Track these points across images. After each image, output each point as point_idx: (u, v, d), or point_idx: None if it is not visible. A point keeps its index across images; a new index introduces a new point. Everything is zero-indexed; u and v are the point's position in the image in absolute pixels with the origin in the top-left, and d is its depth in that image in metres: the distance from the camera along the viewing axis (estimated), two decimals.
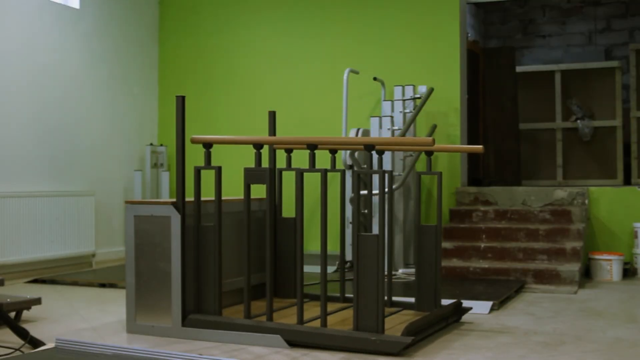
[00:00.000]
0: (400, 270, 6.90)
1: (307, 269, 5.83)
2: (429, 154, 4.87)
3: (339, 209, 4.98)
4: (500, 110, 9.33)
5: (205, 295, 4.40)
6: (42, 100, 7.34)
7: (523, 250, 6.59)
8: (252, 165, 4.55)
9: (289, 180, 5.44)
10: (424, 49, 7.82)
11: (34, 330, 4.36)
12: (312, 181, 5.79)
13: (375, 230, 6.41)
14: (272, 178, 4.60)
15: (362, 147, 4.28)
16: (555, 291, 6.09)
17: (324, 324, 4.14)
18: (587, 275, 6.93)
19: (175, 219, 4.37)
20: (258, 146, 4.37)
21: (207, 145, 4.41)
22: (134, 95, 8.61)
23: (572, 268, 6.23)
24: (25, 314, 5.01)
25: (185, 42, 8.90)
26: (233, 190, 6.53)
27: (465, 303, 4.98)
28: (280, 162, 5.39)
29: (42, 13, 7.40)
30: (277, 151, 5.23)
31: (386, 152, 6.56)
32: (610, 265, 6.76)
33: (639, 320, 4.93)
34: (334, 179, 7.30)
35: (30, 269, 6.98)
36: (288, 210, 5.47)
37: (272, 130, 5.21)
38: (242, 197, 4.50)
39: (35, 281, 6.74)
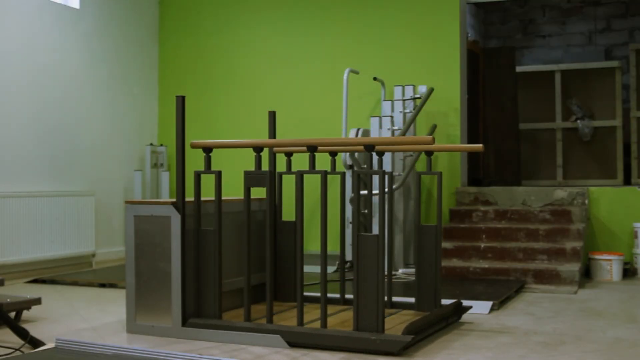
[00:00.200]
0: (400, 270, 6.90)
1: (307, 268, 5.84)
2: (429, 153, 4.86)
3: (339, 209, 4.98)
4: (500, 110, 9.33)
5: (205, 296, 4.39)
6: (42, 100, 7.34)
7: (523, 250, 6.59)
8: (252, 166, 4.54)
9: (289, 181, 5.44)
10: (424, 49, 7.82)
11: (34, 330, 4.36)
12: (312, 181, 5.79)
13: (375, 230, 6.41)
14: (272, 181, 4.60)
15: (362, 147, 4.27)
16: (555, 291, 6.08)
17: (324, 325, 4.14)
18: (587, 275, 6.93)
19: (175, 219, 4.37)
20: (258, 149, 4.37)
21: (207, 149, 4.41)
22: (134, 95, 8.61)
23: (572, 268, 6.23)
24: (25, 314, 5.01)
25: (185, 42, 8.90)
26: (233, 191, 6.53)
27: (465, 303, 4.98)
28: (281, 163, 5.38)
29: (42, 13, 7.40)
30: (277, 154, 5.22)
31: (386, 152, 6.55)
32: (610, 265, 6.76)
33: (639, 320, 4.93)
34: (334, 179, 7.30)
35: (30, 269, 6.98)
36: (288, 210, 5.46)
37: (272, 131, 5.20)
38: (242, 197, 4.49)
39: (35, 281, 6.74)
